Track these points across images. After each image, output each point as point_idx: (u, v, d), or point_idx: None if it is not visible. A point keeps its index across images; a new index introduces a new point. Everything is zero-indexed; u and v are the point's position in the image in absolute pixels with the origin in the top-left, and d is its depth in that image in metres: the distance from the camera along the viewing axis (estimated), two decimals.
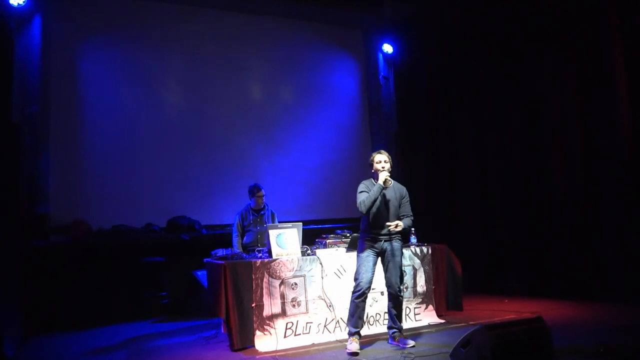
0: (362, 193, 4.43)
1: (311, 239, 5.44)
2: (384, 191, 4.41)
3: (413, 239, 5.55)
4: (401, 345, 4.41)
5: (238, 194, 6.93)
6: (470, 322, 5.13)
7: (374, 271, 4.40)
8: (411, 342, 4.42)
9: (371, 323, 5.03)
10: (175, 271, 6.70)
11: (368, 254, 4.40)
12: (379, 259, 4.46)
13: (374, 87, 9.17)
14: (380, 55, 9.04)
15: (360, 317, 4.38)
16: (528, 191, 6.88)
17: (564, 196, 6.43)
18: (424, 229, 6.44)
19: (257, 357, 4.37)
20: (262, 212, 5.85)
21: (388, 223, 4.36)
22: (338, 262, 4.98)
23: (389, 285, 4.47)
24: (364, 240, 4.47)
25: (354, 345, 4.25)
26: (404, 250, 5.34)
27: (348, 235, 5.36)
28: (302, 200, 8.19)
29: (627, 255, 5.73)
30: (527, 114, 6.92)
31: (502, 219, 7.24)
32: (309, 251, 5.05)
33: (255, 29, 8.24)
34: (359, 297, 4.34)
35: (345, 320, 4.59)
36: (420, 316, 5.33)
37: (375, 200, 4.35)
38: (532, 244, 6.77)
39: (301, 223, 5.16)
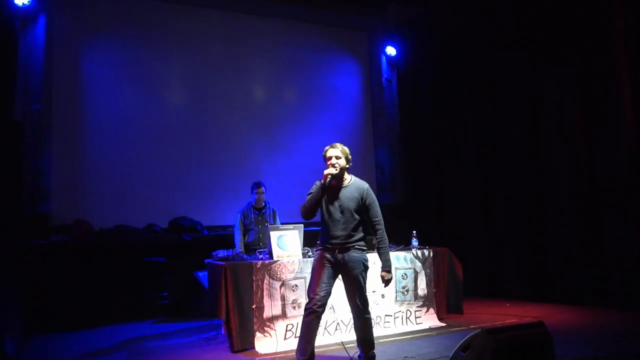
0: (308, 195, 3.77)
1: (312, 241, 5.40)
2: (340, 192, 3.75)
3: (414, 242, 5.55)
4: None
5: (240, 195, 6.92)
6: (471, 326, 5.10)
7: (330, 285, 3.74)
8: None
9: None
10: (176, 272, 6.70)
11: (322, 267, 3.74)
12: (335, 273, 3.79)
13: (377, 89, 9.17)
14: (384, 58, 9.04)
15: (310, 342, 3.69)
16: (530, 195, 6.85)
17: (567, 201, 6.41)
18: (425, 232, 6.43)
19: (257, 358, 4.37)
20: (263, 211, 5.84)
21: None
22: None
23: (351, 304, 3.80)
24: (316, 251, 3.85)
25: None
26: (405, 253, 5.36)
27: None
28: (303, 202, 8.14)
29: (629, 261, 5.70)
30: (530, 118, 6.89)
31: (504, 222, 7.22)
32: (310, 253, 5.03)
33: (259, 30, 8.25)
34: (310, 314, 3.68)
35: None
36: (421, 319, 5.32)
37: (317, 203, 3.71)
38: (535, 248, 6.75)
39: (302, 225, 5.15)
